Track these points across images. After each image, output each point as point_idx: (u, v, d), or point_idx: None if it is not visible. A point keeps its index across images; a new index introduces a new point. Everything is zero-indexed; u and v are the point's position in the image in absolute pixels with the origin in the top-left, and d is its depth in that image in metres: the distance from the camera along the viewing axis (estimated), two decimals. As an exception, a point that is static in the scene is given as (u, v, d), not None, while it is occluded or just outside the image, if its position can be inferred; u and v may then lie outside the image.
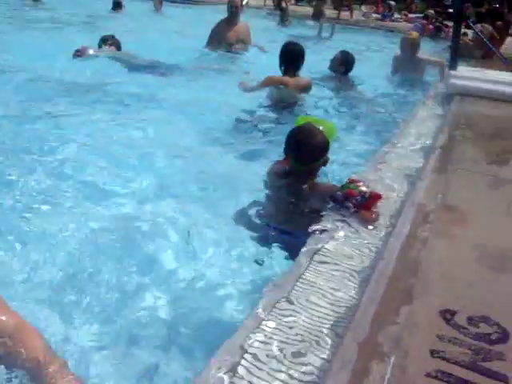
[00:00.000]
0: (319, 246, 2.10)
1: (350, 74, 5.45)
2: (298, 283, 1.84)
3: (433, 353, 1.43)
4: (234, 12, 6.87)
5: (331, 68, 5.30)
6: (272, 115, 4.45)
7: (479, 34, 6.58)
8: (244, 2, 16.15)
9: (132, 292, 2.07)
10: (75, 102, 4.42)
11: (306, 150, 2.51)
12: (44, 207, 2.64)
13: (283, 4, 16.20)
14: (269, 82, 4.68)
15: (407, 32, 6.82)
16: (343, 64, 5.28)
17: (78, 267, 2.17)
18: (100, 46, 6.04)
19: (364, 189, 2.42)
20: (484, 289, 1.78)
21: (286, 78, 4.67)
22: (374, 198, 2.42)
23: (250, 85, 4.80)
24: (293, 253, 2.15)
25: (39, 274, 2.11)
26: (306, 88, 4.80)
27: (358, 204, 2.37)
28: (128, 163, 3.23)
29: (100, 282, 2.08)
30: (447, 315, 1.59)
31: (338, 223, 2.30)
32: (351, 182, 2.50)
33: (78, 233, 2.40)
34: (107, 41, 6.13)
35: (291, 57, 4.69)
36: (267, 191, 2.76)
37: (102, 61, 5.65)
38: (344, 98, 5.01)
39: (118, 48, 6.10)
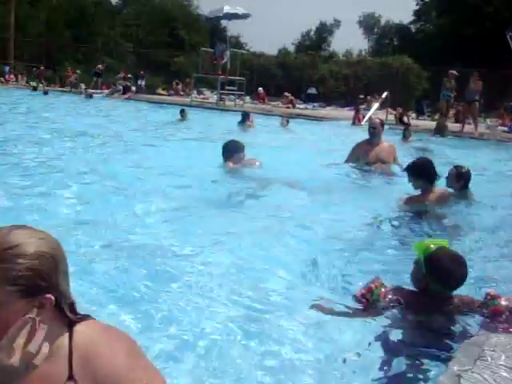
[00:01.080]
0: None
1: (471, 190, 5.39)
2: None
3: None
4: (372, 132, 6.95)
5: (448, 185, 5.19)
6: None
7: None
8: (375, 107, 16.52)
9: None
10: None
11: (459, 276, 2.58)
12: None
13: (405, 119, 16.68)
14: (410, 203, 4.88)
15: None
16: (459, 179, 5.15)
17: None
18: (231, 156, 6.00)
19: (507, 303, 2.46)
20: None
21: (426, 196, 4.82)
22: None
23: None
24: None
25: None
26: (446, 201, 4.89)
27: (507, 320, 2.40)
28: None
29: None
30: None
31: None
32: (492, 297, 2.51)
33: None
34: (242, 149, 6.06)
35: (425, 172, 4.81)
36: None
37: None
38: (464, 214, 4.94)
39: None
